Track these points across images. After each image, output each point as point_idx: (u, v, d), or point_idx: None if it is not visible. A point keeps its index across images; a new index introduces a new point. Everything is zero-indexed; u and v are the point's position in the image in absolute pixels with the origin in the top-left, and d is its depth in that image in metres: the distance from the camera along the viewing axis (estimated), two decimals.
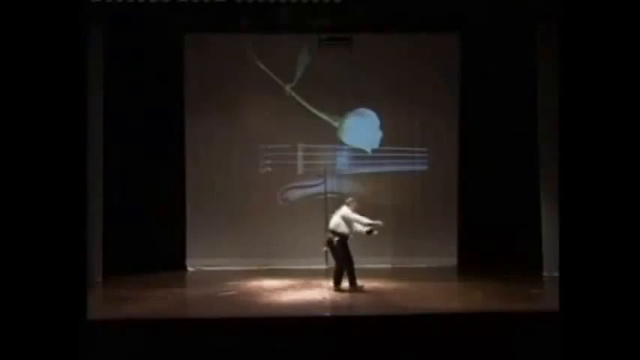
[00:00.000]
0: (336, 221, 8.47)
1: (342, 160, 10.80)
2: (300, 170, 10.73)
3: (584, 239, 3.52)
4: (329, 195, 10.08)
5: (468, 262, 10.37)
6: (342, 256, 8.44)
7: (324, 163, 10.64)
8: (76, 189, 3.53)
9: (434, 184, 10.77)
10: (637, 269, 3.42)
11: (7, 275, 3.30)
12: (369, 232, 8.46)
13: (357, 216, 8.43)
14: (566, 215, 3.65)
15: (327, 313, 7.38)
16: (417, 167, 10.83)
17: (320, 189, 10.37)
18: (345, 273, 8.43)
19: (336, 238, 8.43)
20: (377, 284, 8.74)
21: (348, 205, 8.54)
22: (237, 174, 10.65)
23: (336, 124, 10.69)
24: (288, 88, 10.55)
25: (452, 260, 10.55)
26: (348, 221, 8.42)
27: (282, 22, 9.61)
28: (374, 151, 10.74)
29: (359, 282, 8.44)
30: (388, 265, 10.41)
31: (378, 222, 8.37)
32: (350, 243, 8.48)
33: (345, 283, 8.44)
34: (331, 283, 8.52)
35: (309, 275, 9.38)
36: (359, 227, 8.46)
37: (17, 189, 3.34)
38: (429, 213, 10.68)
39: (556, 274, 8.32)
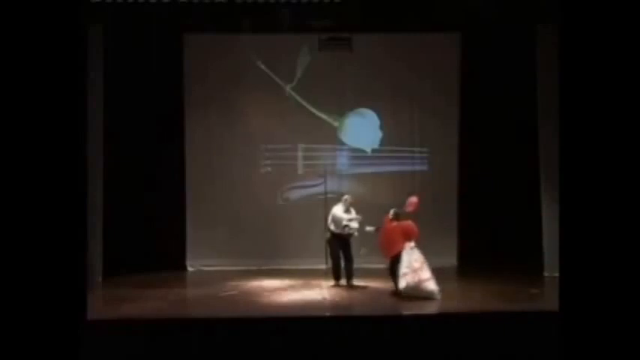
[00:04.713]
0: (329, 218, 8.70)
1: (342, 160, 10.79)
2: (300, 170, 10.72)
3: (584, 239, 3.52)
4: (329, 195, 10.06)
5: (468, 262, 10.36)
6: (332, 252, 8.69)
7: (324, 163, 10.63)
8: (76, 189, 3.53)
9: (434, 184, 10.75)
10: (637, 269, 3.42)
11: (8, 275, 3.30)
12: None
13: (341, 214, 8.61)
14: (566, 215, 3.65)
15: (327, 313, 7.38)
16: (417, 167, 10.82)
17: (320, 189, 10.35)
18: (344, 269, 8.63)
19: (327, 234, 8.69)
20: (377, 284, 8.74)
21: (343, 202, 8.68)
22: (237, 174, 10.64)
23: (336, 124, 10.68)
24: (288, 88, 10.55)
25: (452, 260, 10.54)
26: (334, 219, 8.62)
27: (284, 24, 9.60)
28: (374, 151, 10.73)
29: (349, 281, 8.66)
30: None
31: (354, 223, 8.51)
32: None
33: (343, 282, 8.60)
34: (331, 282, 8.66)
35: (309, 275, 9.38)
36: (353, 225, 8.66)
37: (17, 189, 3.34)
38: (429, 213, 10.64)
39: (556, 274, 8.30)
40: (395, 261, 7.94)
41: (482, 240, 10.14)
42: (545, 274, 9.18)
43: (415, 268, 7.71)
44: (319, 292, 8.40)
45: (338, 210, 8.67)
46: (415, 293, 7.63)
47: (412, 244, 7.88)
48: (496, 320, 6.52)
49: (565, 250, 3.66)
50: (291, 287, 8.74)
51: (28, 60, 3.38)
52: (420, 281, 7.66)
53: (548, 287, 8.56)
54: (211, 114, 10.58)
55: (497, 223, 10.09)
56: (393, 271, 8.01)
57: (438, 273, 9.71)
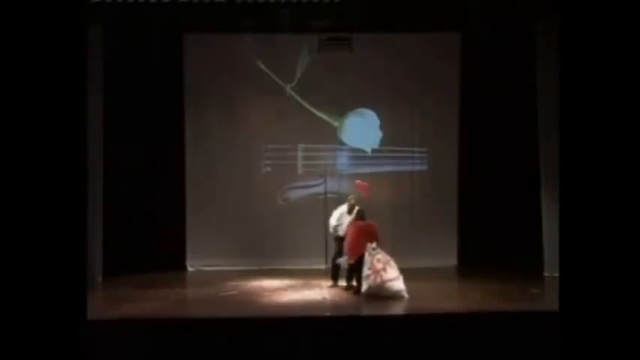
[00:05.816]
0: None
1: (342, 160, 10.78)
2: (300, 170, 10.72)
3: (584, 239, 3.52)
4: (329, 195, 10.07)
5: (468, 262, 10.36)
6: (335, 252, 8.70)
7: (324, 163, 10.62)
8: (75, 189, 3.53)
9: (434, 184, 10.76)
10: (637, 269, 3.42)
11: (8, 276, 3.30)
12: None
13: (332, 218, 8.74)
14: (566, 215, 3.65)
15: (327, 313, 7.38)
16: (417, 167, 10.82)
17: (320, 189, 10.35)
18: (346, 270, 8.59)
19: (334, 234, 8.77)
20: None
21: (348, 202, 8.72)
22: (237, 174, 10.64)
23: (336, 124, 10.68)
24: (288, 88, 10.54)
25: (452, 260, 10.54)
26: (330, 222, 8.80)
27: (284, 24, 9.59)
28: (374, 151, 10.72)
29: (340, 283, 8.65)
30: None
31: (340, 230, 8.59)
32: None
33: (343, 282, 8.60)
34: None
35: (309, 275, 9.37)
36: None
37: (17, 189, 3.34)
38: (429, 213, 10.66)
39: (556, 274, 8.31)
40: (359, 262, 7.90)
41: (482, 240, 10.14)
42: (545, 274, 9.18)
43: (378, 269, 7.66)
44: (319, 292, 8.40)
45: (336, 212, 8.74)
46: (380, 293, 7.60)
47: (373, 244, 7.85)
48: (496, 320, 6.52)
49: (565, 250, 3.67)
50: (291, 287, 8.74)
51: (29, 60, 3.38)
52: (384, 282, 7.61)
53: (548, 287, 8.55)
54: (211, 114, 10.59)
55: (497, 223, 10.09)
56: (357, 271, 7.97)
57: (438, 273, 9.82)
